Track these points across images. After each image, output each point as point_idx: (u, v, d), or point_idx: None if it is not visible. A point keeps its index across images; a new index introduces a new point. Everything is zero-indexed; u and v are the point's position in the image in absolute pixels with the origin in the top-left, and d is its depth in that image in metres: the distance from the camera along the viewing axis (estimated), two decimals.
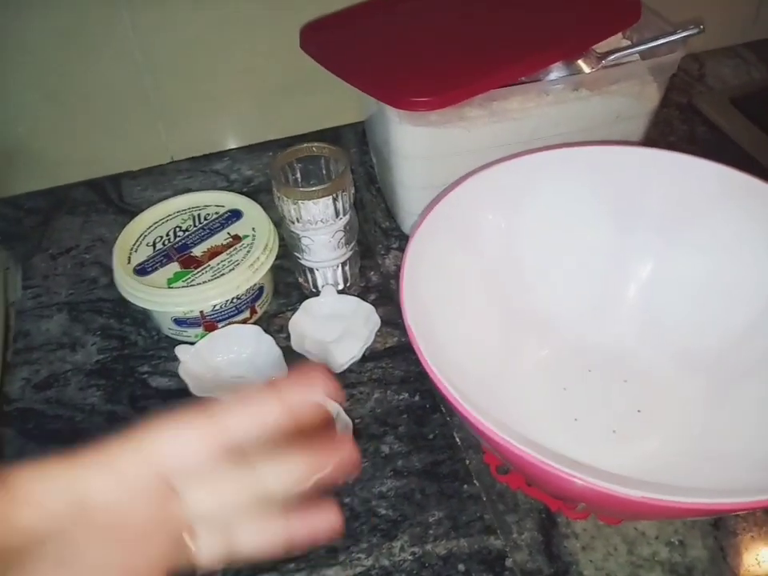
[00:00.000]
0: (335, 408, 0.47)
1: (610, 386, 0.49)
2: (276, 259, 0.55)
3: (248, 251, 0.54)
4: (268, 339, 0.52)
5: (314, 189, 0.50)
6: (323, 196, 0.51)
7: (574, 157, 0.50)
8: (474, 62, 0.52)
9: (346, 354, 0.51)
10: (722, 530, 0.44)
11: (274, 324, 0.57)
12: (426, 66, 0.52)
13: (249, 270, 0.52)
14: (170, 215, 0.58)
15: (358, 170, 0.71)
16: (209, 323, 0.54)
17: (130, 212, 0.68)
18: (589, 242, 0.51)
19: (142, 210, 0.69)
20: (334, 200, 0.52)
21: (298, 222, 0.52)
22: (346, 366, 0.51)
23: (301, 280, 0.58)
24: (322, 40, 0.57)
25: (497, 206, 0.49)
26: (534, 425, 0.42)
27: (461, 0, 0.60)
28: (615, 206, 0.51)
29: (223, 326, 0.54)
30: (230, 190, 0.63)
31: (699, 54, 0.85)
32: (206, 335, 0.53)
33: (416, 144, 0.54)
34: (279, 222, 0.56)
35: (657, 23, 0.58)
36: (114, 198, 0.71)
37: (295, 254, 0.56)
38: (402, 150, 0.54)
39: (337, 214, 0.53)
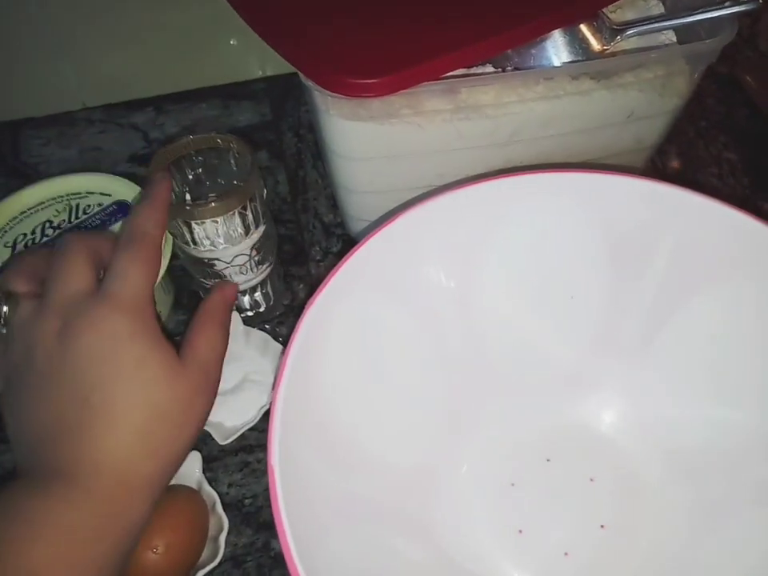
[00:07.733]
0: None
1: (572, 485, 0.38)
2: (175, 259, 0.42)
3: None
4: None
5: (209, 206, 0.37)
6: (223, 213, 0.38)
7: (558, 185, 0.37)
8: (438, 29, 0.38)
9: (242, 413, 0.40)
10: None
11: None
12: (374, 32, 0.38)
13: None
14: (42, 203, 0.45)
15: (306, 136, 0.57)
16: None
17: (26, 174, 0.56)
18: (570, 293, 0.39)
19: (40, 173, 0.57)
20: (241, 214, 0.39)
21: (192, 244, 0.40)
22: (238, 434, 0.40)
23: None
24: None
25: (443, 255, 0.37)
26: (464, 535, 0.35)
27: None
28: (611, 256, 0.38)
29: None
30: (143, 156, 0.52)
31: None
32: None
33: (352, 141, 0.40)
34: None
35: None
36: (7, 152, 0.58)
37: (196, 276, 0.43)
38: (334, 146, 0.41)
39: (246, 230, 0.40)
